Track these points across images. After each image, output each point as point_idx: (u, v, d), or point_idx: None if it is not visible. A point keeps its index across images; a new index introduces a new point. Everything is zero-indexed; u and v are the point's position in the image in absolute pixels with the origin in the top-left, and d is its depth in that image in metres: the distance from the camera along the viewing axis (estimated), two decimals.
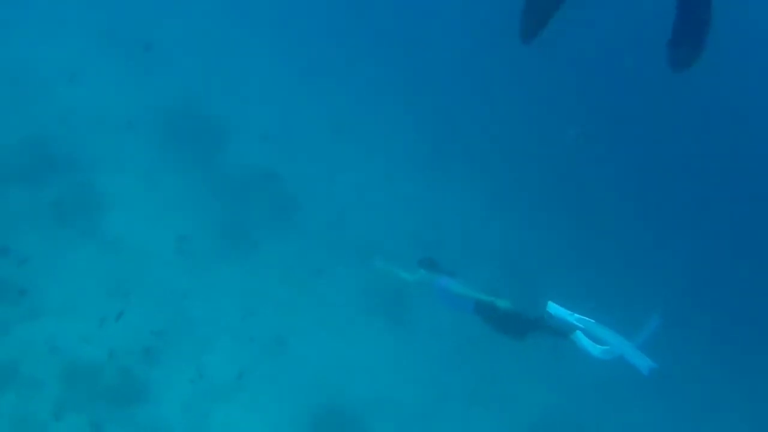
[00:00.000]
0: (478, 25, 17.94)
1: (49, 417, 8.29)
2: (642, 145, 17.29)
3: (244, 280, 11.08)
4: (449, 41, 18.09)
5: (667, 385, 12.78)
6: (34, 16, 13.44)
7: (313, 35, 17.37)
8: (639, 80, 16.72)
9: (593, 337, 7.14)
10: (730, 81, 17.02)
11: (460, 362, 11.60)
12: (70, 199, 10.48)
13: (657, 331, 7.16)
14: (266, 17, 17.43)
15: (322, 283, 11.65)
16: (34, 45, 12.85)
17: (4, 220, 9.69)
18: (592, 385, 11.97)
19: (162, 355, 9.39)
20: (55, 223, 10.05)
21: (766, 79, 18.27)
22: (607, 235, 14.90)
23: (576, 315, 7.25)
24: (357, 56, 17.39)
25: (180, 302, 10.14)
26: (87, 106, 12.23)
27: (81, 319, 9.13)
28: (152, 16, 15.28)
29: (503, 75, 17.21)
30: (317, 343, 10.84)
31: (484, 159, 15.50)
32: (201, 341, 9.86)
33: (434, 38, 18.13)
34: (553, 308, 7.33)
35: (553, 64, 17.04)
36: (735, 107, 18.17)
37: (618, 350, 7.02)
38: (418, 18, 18.52)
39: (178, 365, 9.44)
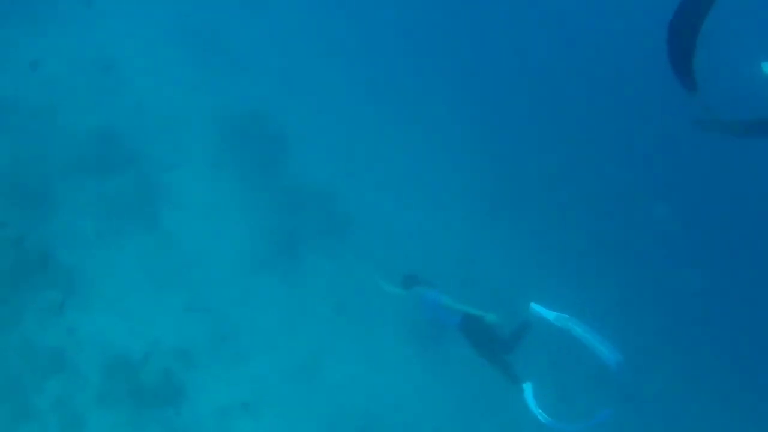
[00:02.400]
0: (541, 80, 17.90)
1: (88, 407, 8.67)
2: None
3: (287, 292, 11.28)
4: (520, 93, 18.00)
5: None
6: (118, 13, 13.73)
7: (393, 68, 17.38)
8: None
9: (569, 333, 7.37)
10: None
11: (490, 399, 11.46)
12: (131, 193, 10.84)
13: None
14: (351, 41, 17.37)
15: (362, 306, 11.71)
16: (114, 41, 13.15)
17: (67, 208, 10.09)
18: None
19: (198, 359, 9.69)
20: (114, 216, 10.41)
21: None
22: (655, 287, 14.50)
23: (556, 314, 7.53)
24: (437, 96, 17.42)
25: (223, 307, 10.44)
26: (158, 104, 12.50)
27: (128, 314, 9.53)
28: (231, 21, 15.53)
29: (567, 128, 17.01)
30: (352, 364, 10.96)
31: (539, 211, 15.33)
32: (238, 351, 10.12)
33: (508, 88, 18.06)
34: (536, 308, 7.67)
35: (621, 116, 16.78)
36: None
37: None
38: (490, 67, 18.58)
39: (212, 371, 9.71)
